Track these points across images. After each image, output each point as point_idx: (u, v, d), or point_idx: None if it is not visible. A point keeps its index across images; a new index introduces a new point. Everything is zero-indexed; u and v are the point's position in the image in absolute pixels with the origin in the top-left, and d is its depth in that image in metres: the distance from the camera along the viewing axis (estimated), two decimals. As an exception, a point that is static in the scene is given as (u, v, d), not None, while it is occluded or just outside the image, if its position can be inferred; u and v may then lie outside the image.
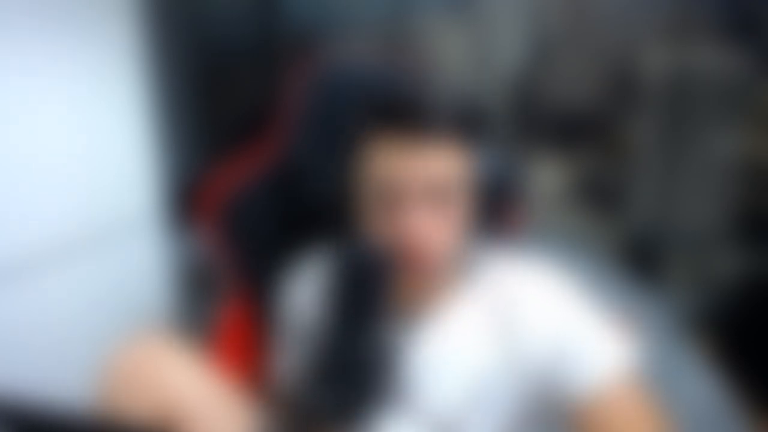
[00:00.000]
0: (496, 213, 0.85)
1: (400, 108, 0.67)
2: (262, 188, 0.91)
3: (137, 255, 1.43)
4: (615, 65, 1.78)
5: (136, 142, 1.42)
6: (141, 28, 1.39)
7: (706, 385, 1.20)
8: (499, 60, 1.79)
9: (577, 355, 0.65)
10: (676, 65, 1.70)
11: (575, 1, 1.81)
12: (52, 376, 0.78)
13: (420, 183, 0.64)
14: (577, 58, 1.80)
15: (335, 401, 0.63)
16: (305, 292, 0.78)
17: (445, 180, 0.65)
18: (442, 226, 0.66)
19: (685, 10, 1.68)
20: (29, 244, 1.16)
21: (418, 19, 1.71)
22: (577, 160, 1.86)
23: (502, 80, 1.80)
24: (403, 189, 0.65)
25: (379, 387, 0.64)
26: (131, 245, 1.41)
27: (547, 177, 1.85)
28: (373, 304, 0.65)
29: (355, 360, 0.64)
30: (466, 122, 0.69)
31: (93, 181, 1.29)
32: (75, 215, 1.25)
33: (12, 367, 0.85)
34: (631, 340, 0.69)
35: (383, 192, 0.66)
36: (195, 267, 1.48)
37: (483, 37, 1.77)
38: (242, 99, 1.63)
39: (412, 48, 1.69)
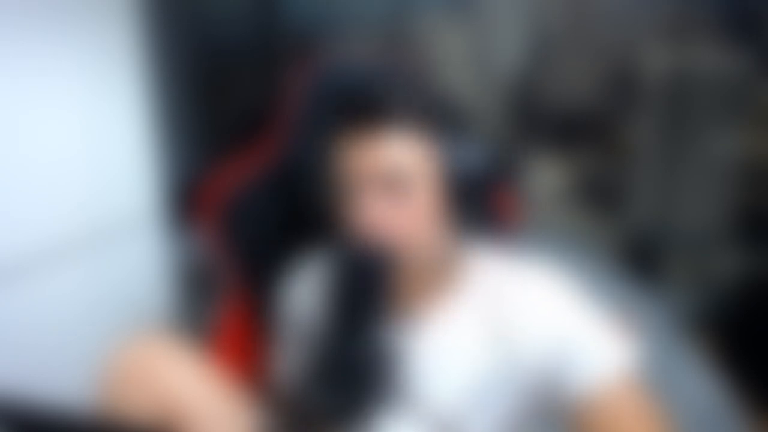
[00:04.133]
0: (484, 209, 0.85)
1: (356, 100, 0.68)
2: (262, 188, 0.91)
3: (137, 255, 1.43)
4: (615, 65, 1.78)
5: (136, 143, 1.42)
6: (141, 29, 1.39)
7: (706, 385, 1.20)
8: (499, 60, 1.79)
9: (575, 356, 0.65)
10: (676, 65, 1.70)
11: (575, 1, 1.81)
12: (52, 376, 0.78)
13: (372, 171, 0.65)
14: (577, 57, 1.80)
15: (335, 401, 0.63)
16: (305, 292, 0.78)
17: (398, 169, 0.66)
18: (402, 216, 0.66)
19: (685, 10, 1.68)
20: (30, 244, 1.16)
21: (418, 19, 1.71)
22: (577, 160, 1.86)
23: (502, 80, 1.80)
24: (358, 178, 0.66)
25: (378, 387, 0.64)
26: (131, 245, 1.41)
27: (547, 177, 1.85)
28: (371, 304, 0.65)
29: (355, 360, 0.64)
30: (427, 113, 0.69)
31: (93, 182, 1.29)
32: (75, 215, 1.25)
33: (12, 367, 0.85)
34: (631, 340, 0.69)
35: (346, 184, 0.67)
36: (195, 267, 1.48)
37: (483, 37, 1.77)
38: (242, 99, 1.63)
39: (412, 48, 1.69)
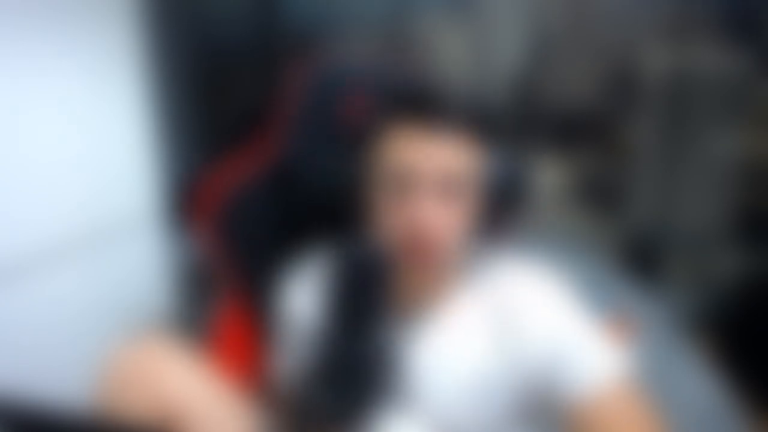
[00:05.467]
0: (500, 214, 0.85)
1: (420, 99, 0.69)
2: (261, 188, 0.91)
3: (136, 255, 1.43)
4: (615, 65, 1.78)
5: (135, 143, 1.41)
6: (141, 28, 1.39)
7: (706, 385, 1.20)
8: (499, 60, 1.79)
9: (573, 358, 0.65)
10: (676, 65, 1.70)
11: (575, 1, 1.81)
12: (52, 376, 0.78)
13: (433, 172, 0.66)
14: (577, 58, 1.80)
15: (335, 401, 0.63)
16: (304, 292, 0.78)
17: (457, 172, 0.67)
18: (450, 218, 0.67)
19: (685, 10, 1.68)
20: (29, 244, 1.16)
21: (418, 19, 1.71)
22: (577, 160, 1.86)
23: (502, 80, 1.80)
24: (415, 177, 0.66)
25: (378, 387, 0.64)
26: (130, 246, 1.41)
27: (547, 177, 1.85)
28: (373, 304, 0.65)
29: (355, 360, 0.64)
30: (480, 119, 0.70)
31: (93, 182, 1.29)
32: (74, 215, 1.25)
33: (12, 367, 0.85)
34: (630, 341, 0.69)
35: (396, 180, 0.67)
36: (194, 267, 1.48)
37: (483, 37, 1.77)
38: (241, 99, 1.63)
39: (412, 48, 1.69)
